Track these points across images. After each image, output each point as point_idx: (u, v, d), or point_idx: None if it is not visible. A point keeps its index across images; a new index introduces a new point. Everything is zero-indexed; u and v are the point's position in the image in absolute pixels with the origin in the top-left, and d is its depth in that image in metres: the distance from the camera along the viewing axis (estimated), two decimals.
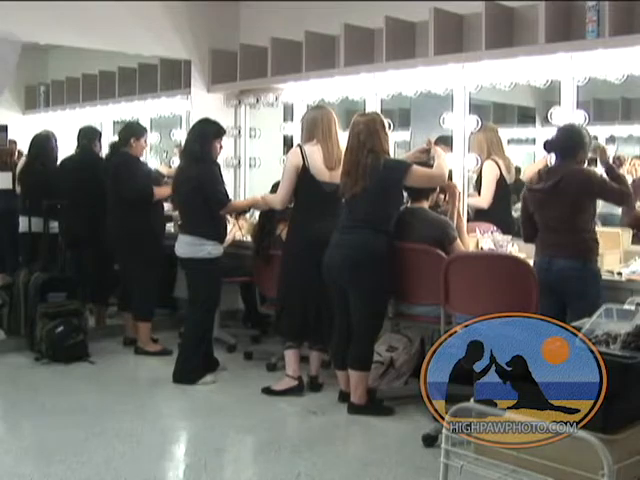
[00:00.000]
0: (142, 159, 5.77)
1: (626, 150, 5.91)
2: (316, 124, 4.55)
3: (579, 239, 3.88)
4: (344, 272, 4.23)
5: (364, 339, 4.29)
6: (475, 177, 5.25)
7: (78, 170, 5.84)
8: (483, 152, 5.14)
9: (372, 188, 4.18)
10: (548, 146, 4.04)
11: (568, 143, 3.96)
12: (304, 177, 4.52)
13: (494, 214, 5.09)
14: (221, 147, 4.91)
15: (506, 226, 4.97)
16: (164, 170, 6.61)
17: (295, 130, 5.50)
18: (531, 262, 4.06)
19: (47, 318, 5.37)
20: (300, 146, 4.59)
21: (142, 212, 5.41)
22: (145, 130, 5.78)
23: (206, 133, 4.84)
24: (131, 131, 5.64)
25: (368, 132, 4.22)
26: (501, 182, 5.14)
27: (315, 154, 4.51)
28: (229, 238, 5.37)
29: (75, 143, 6.04)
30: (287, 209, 4.77)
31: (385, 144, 4.25)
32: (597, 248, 3.93)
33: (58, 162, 6.27)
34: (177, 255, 4.92)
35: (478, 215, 5.15)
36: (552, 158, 4.15)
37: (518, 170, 5.52)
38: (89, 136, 5.99)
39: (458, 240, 4.35)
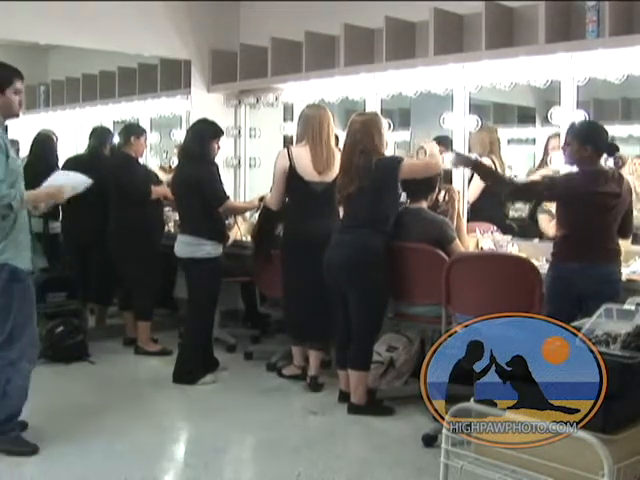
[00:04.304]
0: (142, 160, 5.78)
1: (626, 150, 5.88)
2: (308, 124, 4.60)
3: (613, 245, 3.80)
4: (343, 272, 4.23)
5: (364, 339, 4.29)
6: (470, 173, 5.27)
7: (84, 171, 5.82)
8: (485, 150, 5.17)
9: (367, 188, 4.18)
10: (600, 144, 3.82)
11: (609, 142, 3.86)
12: (292, 178, 4.57)
13: (487, 212, 5.12)
14: (219, 147, 4.92)
15: (499, 222, 5.03)
16: (162, 176, 6.59)
17: (295, 130, 5.50)
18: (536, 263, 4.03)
19: (47, 318, 5.36)
20: (288, 147, 4.66)
21: (140, 211, 5.42)
22: (144, 130, 5.81)
23: (204, 134, 4.85)
24: (130, 130, 5.70)
25: (364, 132, 4.22)
26: None
27: (303, 155, 4.55)
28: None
29: (83, 142, 6.02)
30: None
31: (380, 145, 4.24)
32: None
33: (62, 162, 6.27)
34: (176, 255, 4.92)
35: (470, 213, 5.16)
36: (553, 158, 4.13)
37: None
38: (100, 137, 5.98)
39: (457, 240, 4.35)
